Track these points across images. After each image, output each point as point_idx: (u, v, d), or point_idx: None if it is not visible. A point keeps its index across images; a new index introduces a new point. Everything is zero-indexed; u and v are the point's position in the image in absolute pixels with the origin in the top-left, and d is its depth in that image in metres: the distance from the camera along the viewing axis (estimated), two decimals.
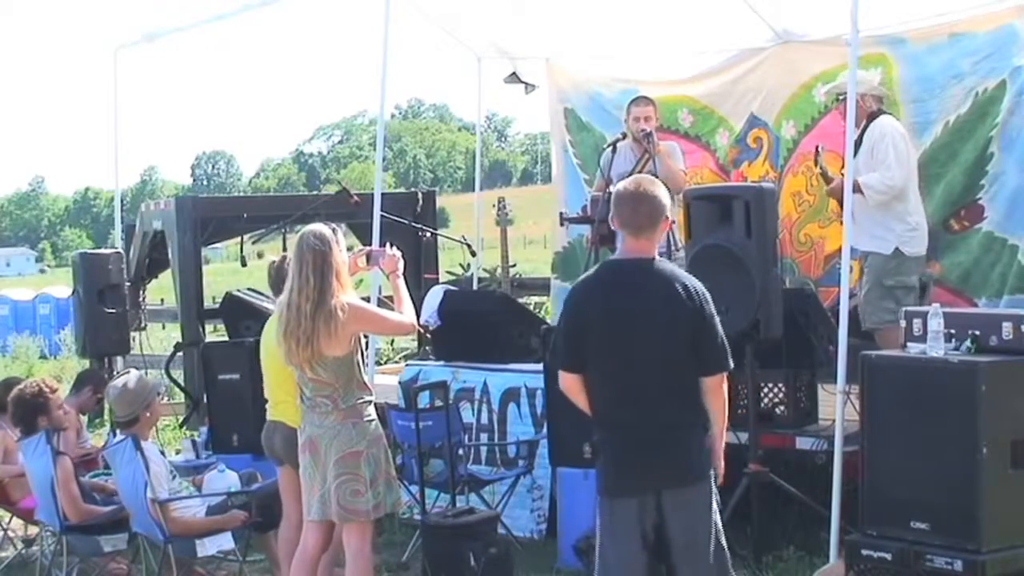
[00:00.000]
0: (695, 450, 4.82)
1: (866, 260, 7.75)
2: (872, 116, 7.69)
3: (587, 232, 9.37)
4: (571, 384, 4.96)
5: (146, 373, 8.34)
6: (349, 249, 6.05)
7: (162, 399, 7.46)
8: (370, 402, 5.89)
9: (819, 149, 7.93)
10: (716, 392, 4.86)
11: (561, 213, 9.97)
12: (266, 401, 6.59)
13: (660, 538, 4.79)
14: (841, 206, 7.20)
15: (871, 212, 7.57)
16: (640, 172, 8.59)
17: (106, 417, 9.97)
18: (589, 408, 4.94)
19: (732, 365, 4.87)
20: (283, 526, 6.61)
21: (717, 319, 4.83)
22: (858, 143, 7.54)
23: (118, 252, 10.50)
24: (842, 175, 7.34)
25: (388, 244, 6.36)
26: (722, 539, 4.86)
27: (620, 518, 4.83)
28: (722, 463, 5.00)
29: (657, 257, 4.91)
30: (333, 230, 5.83)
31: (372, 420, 5.86)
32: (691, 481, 4.80)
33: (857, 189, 7.30)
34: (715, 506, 4.85)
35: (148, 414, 7.04)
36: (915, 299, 7.53)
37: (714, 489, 4.86)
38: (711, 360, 4.81)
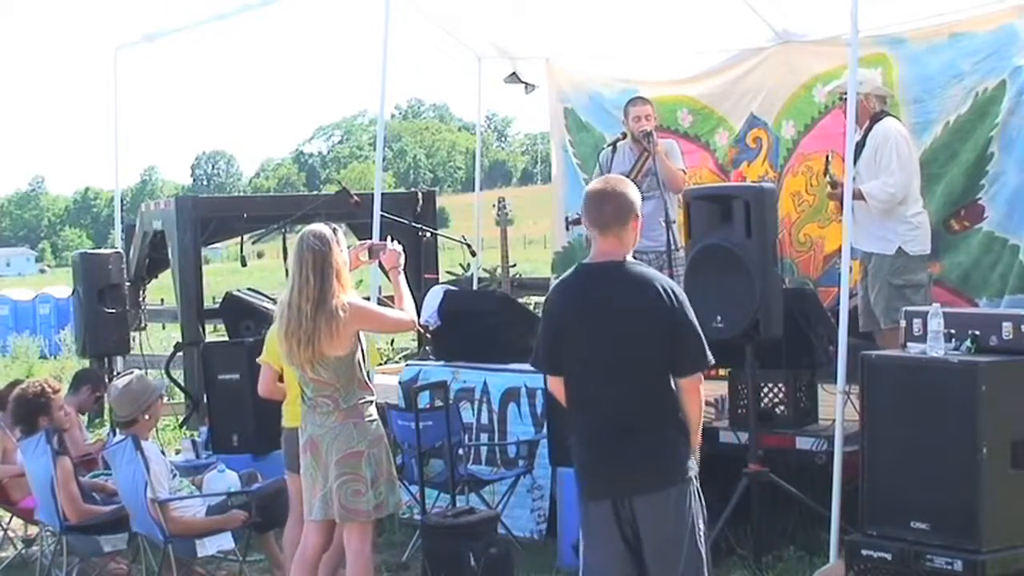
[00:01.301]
0: (668, 454, 4.74)
1: (870, 261, 7.74)
2: (876, 118, 7.67)
3: (587, 232, 9.34)
4: (556, 387, 4.93)
5: (146, 373, 8.32)
6: (348, 247, 6.04)
7: (162, 400, 7.45)
8: (371, 402, 5.88)
9: (829, 158, 7.91)
10: (695, 393, 4.78)
11: (567, 217, 9.97)
12: (267, 402, 6.57)
13: (637, 539, 4.75)
14: (842, 207, 7.19)
15: (872, 213, 7.57)
16: (639, 171, 8.62)
17: (106, 417, 9.96)
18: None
19: (712, 361, 4.79)
20: (290, 526, 6.60)
21: (694, 317, 4.76)
22: (861, 144, 7.54)
23: (118, 252, 10.50)
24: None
25: (389, 238, 6.36)
26: (700, 543, 4.76)
27: (598, 520, 4.80)
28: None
29: (629, 258, 4.84)
30: (333, 230, 5.82)
31: (373, 420, 5.86)
32: (662, 486, 4.72)
33: (859, 196, 7.30)
34: (693, 509, 4.75)
35: (147, 416, 7.02)
36: (925, 296, 7.52)
37: (692, 492, 4.76)
38: (690, 360, 4.73)
